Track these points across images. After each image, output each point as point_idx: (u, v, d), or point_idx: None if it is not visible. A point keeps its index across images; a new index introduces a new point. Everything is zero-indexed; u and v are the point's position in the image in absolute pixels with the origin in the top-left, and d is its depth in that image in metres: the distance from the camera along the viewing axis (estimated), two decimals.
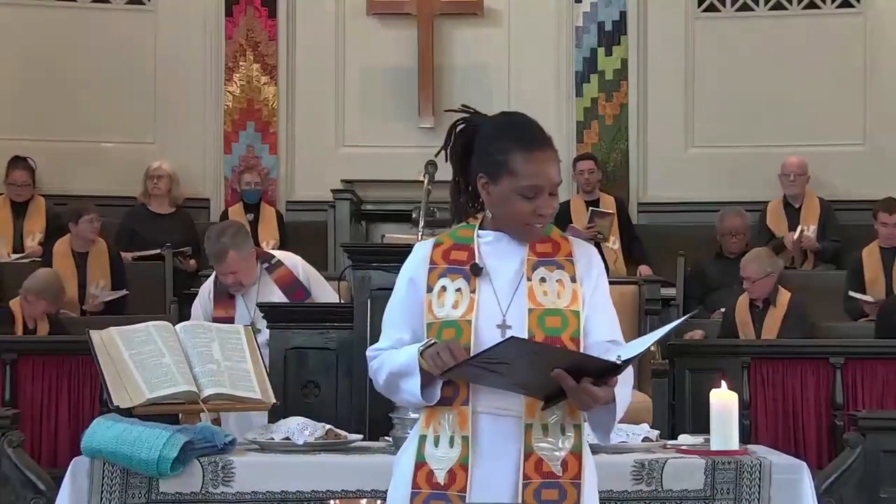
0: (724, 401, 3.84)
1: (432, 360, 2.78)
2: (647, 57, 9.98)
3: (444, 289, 2.90)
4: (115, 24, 9.99)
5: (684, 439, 4.15)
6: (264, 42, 9.98)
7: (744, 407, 6.38)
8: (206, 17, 10.02)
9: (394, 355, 2.92)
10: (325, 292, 5.84)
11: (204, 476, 3.77)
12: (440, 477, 2.85)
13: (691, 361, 6.86)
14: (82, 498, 3.77)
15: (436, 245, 2.97)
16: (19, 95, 9.77)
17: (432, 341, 2.84)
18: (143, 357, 4.16)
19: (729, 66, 9.89)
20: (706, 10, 10.04)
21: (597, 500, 2.96)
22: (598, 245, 8.83)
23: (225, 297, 5.92)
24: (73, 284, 8.16)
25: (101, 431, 3.79)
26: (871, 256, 8.28)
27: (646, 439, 3.96)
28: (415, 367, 2.84)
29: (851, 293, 8.15)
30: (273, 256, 6.06)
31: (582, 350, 2.85)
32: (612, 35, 9.89)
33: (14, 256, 8.89)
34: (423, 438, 2.89)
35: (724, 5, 10.03)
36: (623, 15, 9.88)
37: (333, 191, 9.32)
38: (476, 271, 2.90)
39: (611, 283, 3.02)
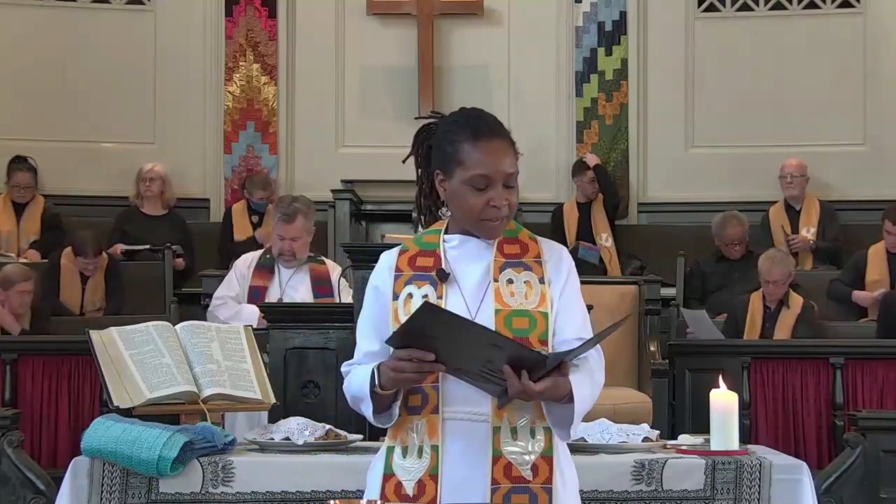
0: (724, 401, 3.83)
1: (393, 374, 2.70)
2: (647, 57, 9.98)
3: (410, 296, 2.82)
4: (115, 24, 9.98)
5: (684, 439, 4.15)
6: (264, 42, 9.97)
7: (744, 407, 6.38)
8: (206, 17, 10.02)
9: (356, 375, 2.86)
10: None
11: (204, 476, 3.77)
12: (409, 488, 2.78)
13: (691, 361, 6.86)
14: (82, 498, 3.77)
15: (401, 252, 2.90)
16: (19, 95, 9.76)
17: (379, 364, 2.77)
18: (143, 357, 4.16)
19: (729, 66, 9.89)
20: (706, 9, 10.05)
21: None
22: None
23: (266, 270, 6.40)
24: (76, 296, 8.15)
25: (101, 431, 3.79)
26: (877, 256, 8.24)
27: (646, 439, 3.96)
28: (366, 392, 2.78)
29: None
30: (320, 255, 6.61)
31: (550, 349, 2.78)
32: (612, 35, 9.89)
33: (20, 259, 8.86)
34: (390, 450, 2.84)
35: (724, 5, 10.03)
36: (623, 15, 9.87)
37: (333, 191, 9.32)
38: (442, 277, 2.82)
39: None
